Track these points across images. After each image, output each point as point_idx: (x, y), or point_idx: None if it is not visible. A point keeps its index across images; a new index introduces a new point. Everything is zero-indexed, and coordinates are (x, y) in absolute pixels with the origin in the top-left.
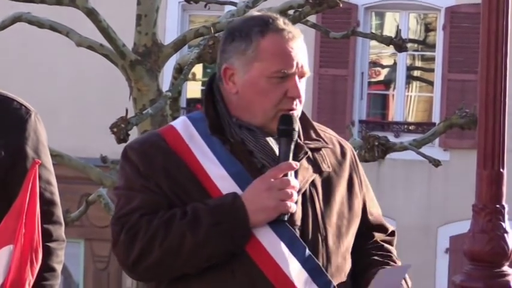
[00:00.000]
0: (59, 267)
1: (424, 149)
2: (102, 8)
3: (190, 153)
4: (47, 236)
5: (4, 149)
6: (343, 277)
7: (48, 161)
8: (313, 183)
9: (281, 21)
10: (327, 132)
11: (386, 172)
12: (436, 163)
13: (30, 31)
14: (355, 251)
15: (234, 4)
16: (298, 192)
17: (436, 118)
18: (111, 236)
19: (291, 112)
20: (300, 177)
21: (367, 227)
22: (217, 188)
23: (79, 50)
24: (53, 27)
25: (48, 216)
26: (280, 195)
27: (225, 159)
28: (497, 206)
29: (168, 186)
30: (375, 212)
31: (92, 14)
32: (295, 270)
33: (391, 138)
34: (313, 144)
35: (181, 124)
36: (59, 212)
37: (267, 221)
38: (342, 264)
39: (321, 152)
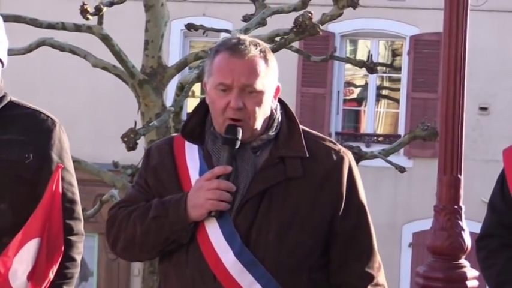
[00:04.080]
0: (78, 258)
1: (391, 157)
2: (114, 34)
3: (183, 156)
4: (69, 230)
5: (33, 154)
6: (292, 273)
7: (70, 165)
8: (277, 186)
9: (235, 41)
10: (319, 143)
11: None
12: (402, 169)
13: (52, 53)
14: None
15: (229, 32)
16: (256, 192)
17: (401, 131)
18: None
19: (237, 123)
20: (262, 180)
21: (337, 250)
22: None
23: (94, 70)
24: (72, 51)
25: (69, 213)
26: (207, 195)
27: (201, 165)
28: (456, 207)
29: (153, 184)
30: (348, 231)
31: (106, 40)
32: (230, 261)
33: (363, 148)
34: (286, 152)
35: None
36: (79, 209)
37: (200, 216)
38: (289, 261)
39: (294, 159)
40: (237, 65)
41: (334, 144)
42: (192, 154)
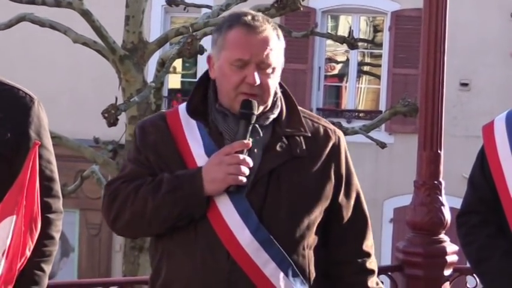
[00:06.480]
0: (57, 236)
1: (372, 133)
2: (95, 10)
3: (182, 133)
4: (47, 208)
5: (10, 132)
6: (300, 250)
7: (48, 142)
8: (284, 165)
9: (249, 18)
10: (316, 122)
11: None
12: (382, 145)
13: (32, 29)
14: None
15: (210, 7)
16: (266, 171)
17: (382, 107)
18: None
19: (252, 98)
20: (270, 159)
21: (338, 225)
22: (196, 165)
23: (75, 45)
24: (53, 26)
25: (48, 190)
26: (228, 169)
27: (206, 141)
28: (435, 182)
29: (154, 159)
30: (347, 209)
31: (86, 15)
32: (246, 239)
33: (344, 123)
34: (290, 132)
35: (184, 108)
36: (57, 187)
37: (218, 190)
38: (298, 238)
39: (297, 138)
40: (255, 40)
41: (328, 123)
42: (191, 130)
